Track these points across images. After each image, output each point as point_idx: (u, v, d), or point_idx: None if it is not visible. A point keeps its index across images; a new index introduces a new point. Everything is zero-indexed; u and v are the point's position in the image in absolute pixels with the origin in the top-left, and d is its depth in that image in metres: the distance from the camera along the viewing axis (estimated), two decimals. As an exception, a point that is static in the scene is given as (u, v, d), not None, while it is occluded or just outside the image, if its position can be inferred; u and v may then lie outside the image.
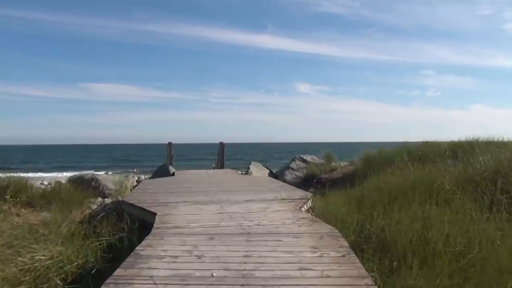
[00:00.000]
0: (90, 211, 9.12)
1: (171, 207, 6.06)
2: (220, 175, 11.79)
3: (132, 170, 37.14)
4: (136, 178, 15.08)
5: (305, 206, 6.36)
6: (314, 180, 12.74)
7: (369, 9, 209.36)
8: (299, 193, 7.51)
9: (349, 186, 11.25)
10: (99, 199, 11.06)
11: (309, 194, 7.21)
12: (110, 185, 11.67)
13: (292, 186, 8.68)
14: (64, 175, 33.78)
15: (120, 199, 8.61)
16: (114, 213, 6.70)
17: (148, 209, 5.88)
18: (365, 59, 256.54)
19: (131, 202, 6.51)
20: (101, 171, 37.08)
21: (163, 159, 16.75)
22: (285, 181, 13.39)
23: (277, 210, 5.76)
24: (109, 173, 33.69)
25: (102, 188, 11.54)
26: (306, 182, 13.12)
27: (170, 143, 15.19)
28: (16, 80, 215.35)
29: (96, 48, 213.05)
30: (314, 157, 15.47)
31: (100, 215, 7.47)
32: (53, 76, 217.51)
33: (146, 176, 15.99)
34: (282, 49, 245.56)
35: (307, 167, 14.26)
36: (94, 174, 12.12)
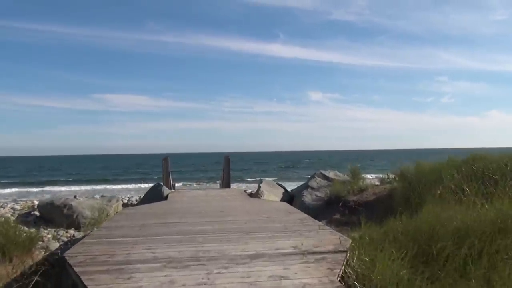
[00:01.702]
0: (47, 254, 6.87)
1: (126, 275, 3.71)
2: (222, 200, 9.46)
3: (140, 182, 35.20)
4: (125, 200, 12.80)
5: (342, 267, 3.97)
6: (340, 204, 10.28)
7: (380, 17, 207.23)
8: (330, 236, 5.11)
9: (387, 213, 8.83)
10: (70, 232, 8.83)
11: (345, 242, 4.79)
12: (87, 213, 9.42)
13: (318, 222, 6.25)
14: (60, 190, 32.04)
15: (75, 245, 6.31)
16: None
17: (87, 282, 3.54)
18: (377, 66, 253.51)
19: (71, 261, 4.18)
20: (108, 184, 35.14)
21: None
22: (303, 203, 11.00)
23: (300, 285, 3.37)
24: (106, 187, 31.82)
25: (77, 216, 9.31)
26: (330, 206, 10.70)
27: (166, 158, 12.87)
28: (30, 92, 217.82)
29: (109, 59, 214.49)
30: (338, 172, 13.01)
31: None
32: (67, 87, 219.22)
33: (138, 198, 13.65)
34: (294, 58, 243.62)
35: (329, 185, 11.81)
36: (67, 199, 9.86)
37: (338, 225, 9.90)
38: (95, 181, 38.10)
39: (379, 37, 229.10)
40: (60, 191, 30.83)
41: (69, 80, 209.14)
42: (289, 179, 42.40)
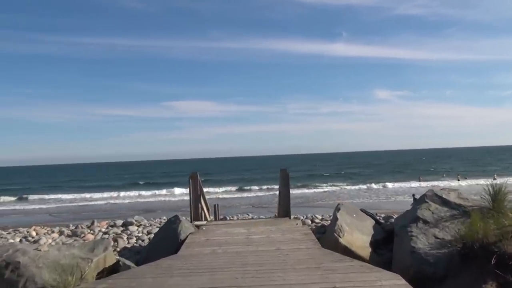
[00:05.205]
0: None
1: None
2: (271, 258, 5.12)
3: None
4: (134, 238, 8.80)
5: None
6: (493, 260, 5.47)
7: (450, 7, 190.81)
8: None
9: None
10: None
11: None
12: (45, 275, 5.58)
13: None
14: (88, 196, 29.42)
15: None
16: None
17: None
18: (448, 60, 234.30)
19: None
20: (154, 197, 31.81)
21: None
22: (414, 252, 6.35)
23: None
24: (152, 199, 28.23)
25: (26, 283, 5.49)
26: (468, 261, 5.89)
27: (194, 175, 8.54)
28: (102, 102, 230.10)
29: (175, 68, 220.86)
30: (461, 193, 8.08)
31: None
32: (139, 96, 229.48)
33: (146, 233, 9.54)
34: (358, 56, 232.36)
35: (455, 216, 6.99)
36: (17, 251, 6.03)
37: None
38: (140, 197, 35.03)
39: (449, 29, 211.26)
40: (76, 205, 28.44)
41: (140, 90, 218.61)
42: (360, 182, 36.95)
